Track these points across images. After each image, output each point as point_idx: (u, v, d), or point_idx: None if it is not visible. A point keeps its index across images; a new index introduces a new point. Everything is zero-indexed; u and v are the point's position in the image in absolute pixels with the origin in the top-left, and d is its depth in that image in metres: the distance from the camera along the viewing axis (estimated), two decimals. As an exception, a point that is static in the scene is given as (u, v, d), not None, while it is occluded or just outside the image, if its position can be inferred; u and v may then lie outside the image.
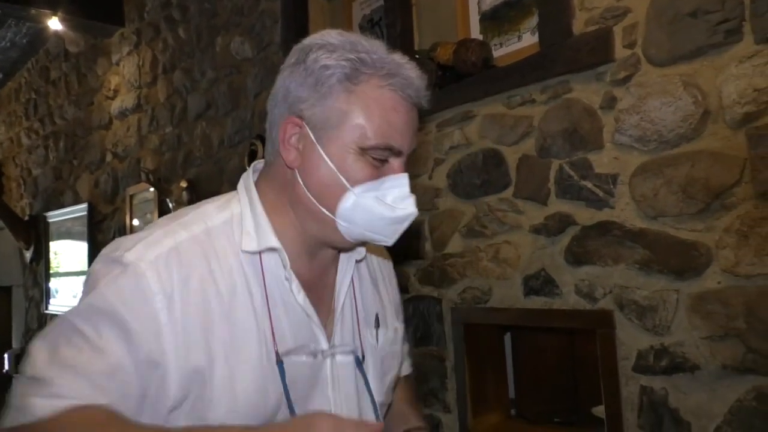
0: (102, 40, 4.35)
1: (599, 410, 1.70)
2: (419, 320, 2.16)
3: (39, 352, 0.81)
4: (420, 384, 2.15)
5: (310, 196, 0.90)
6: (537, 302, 1.81)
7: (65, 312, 0.85)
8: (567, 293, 1.73)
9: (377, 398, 0.99)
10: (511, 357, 2.19)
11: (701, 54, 1.46)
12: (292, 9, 2.75)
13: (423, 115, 2.22)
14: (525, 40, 2.02)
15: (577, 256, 1.71)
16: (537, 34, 1.88)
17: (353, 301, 1.03)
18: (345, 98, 0.86)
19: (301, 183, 0.90)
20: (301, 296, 0.92)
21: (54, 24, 3.85)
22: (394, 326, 1.09)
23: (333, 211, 0.89)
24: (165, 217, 0.96)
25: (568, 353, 2.05)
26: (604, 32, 1.63)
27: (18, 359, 5.56)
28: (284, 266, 0.90)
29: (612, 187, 1.63)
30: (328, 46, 0.88)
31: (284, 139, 0.90)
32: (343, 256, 1.01)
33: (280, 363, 0.88)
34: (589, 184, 1.68)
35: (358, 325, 1.01)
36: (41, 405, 0.76)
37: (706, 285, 1.45)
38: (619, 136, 1.62)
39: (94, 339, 0.79)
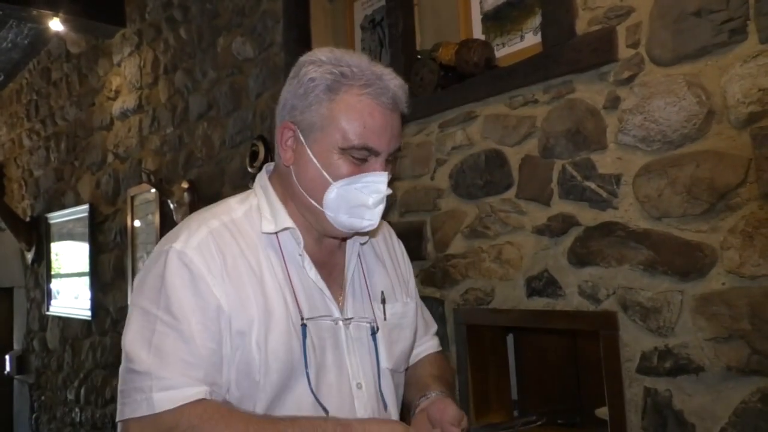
0: (103, 40, 4.35)
1: (602, 412, 1.69)
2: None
3: (134, 346, 0.95)
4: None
5: (302, 190, 1.05)
6: (540, 303, 1.80)
7: (136, 303, 0.99)
8: (570, 294, 1.72)
9: (387, 365, 1.13)
10: (514, 358, 2.18)
11: (705, 53, 1.45)
12: (293, 9, 2.74)
13: (426, 116, 2.22)
14: (527, 40, 2.01)
15: (580, 257, 1.70)
16: (540, 34, 1.87)
17: (363, 279, 1.17)
18: (328, 106, 1.01)
19: (295, 178, 1.06)
20: (312, 272, 1.07)
21: (55, 25, 3.85)
22: (404, 301, 1.22)
23: (320, 202, 1.03)
24: (195, 212, 1.10)
25: (571, 354, 2.04)
26: (608, 32, 1.62)
27: (19, 360, 5.57)
28: (298, 243, 1.06)
29: (615, 187, 1.62)
30: (317, 62, 1.03)
31: (281, 141, 1.07)
32: (348, 241, 1.15)
33: (303, 326, 1.02)
34: (593, 185, 1.67)
35: (370, 300, 1.16)
36: (159, 399, 0.90)
37: (710, 286, 1.44)
38: (622, 137, 1.61)
39: (175, 323, 0.94)
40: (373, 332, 1.13)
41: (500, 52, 2.07)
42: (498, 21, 2.12)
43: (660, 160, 1.53)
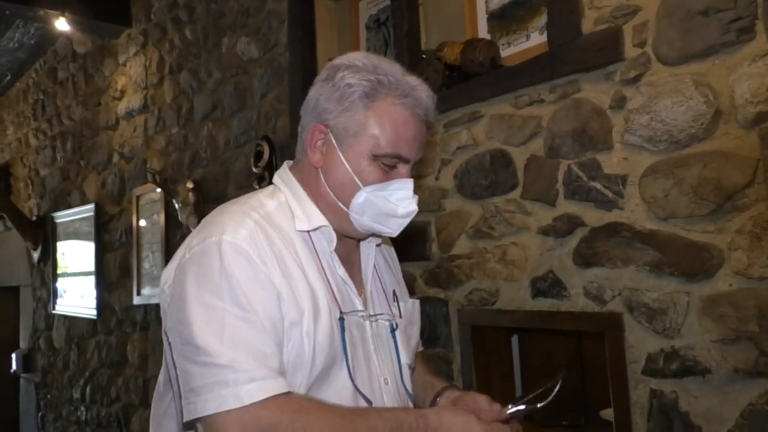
0: (109, 40, 4.36)
1: (608, 413, 1.68)
2: (425, 322, 2.14)
3: (206, 340, 0.90)
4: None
5: (330, 192, 1.07)
6: (545, 304, 1.79)
7: (194, 298, 0.94)
8: (575, 295, 1.71)
9: (406, 361, 1.16)
10: (519, 359, 2.17)
11: (713, 53, 1.44)
12: (298, 10, 2.74)
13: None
14: (533, 39, 2.00)
15: (585, 258, 1.69)
16: (545, 34, 1.86)
17: (378, 278, 1.21)
18: (363, 112, 1.03)
19: (323, 180, 1.08)
20: (342, 270, 1.09)
21: (61, 25, 3.86)
22: (405, 300, 1.26)
23: (347, 205, 1.06)
24: (219, 208, 1.07)
25: (576, 356, 2.03)
26: (614, 31, 1.61)
27: (26, 359, 5.59)
28: (329, 241, 1.08)
29: (621, 188, 1.61)
30: (354, 67, 1.04)
31: (311, 143, 1.08)
32: (363, 241, 1.18)
33: (341, 319, 1.04)
34: (599, 185, 1.66)
35: (386, 298, 1.19)
36: (248, 390, 0.88)
37: (717, 287, 1.43)
38: (629, 137, 1.60)
39: (245, 315, 0.92)
40: (393, 329, 1.15)
41: (506, 52, 2.06)
42: (503, 20, 2.11)
43: (666, 161, 1.52)
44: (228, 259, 0.95)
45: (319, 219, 1.07)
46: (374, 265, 1.20)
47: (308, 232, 1.07)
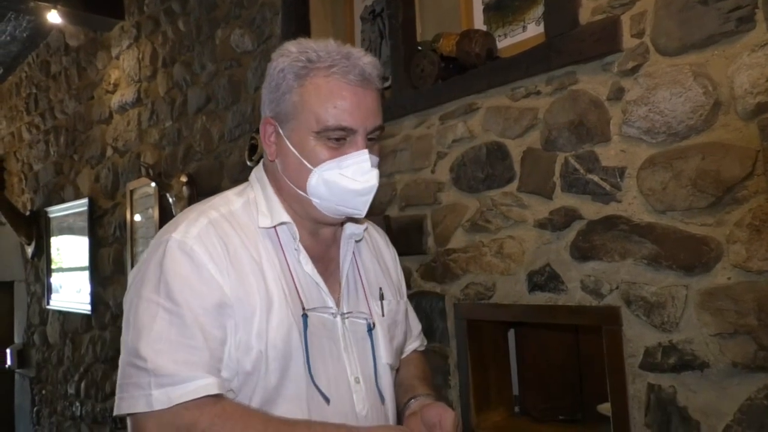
0: (102, 33, 4.31)
1: (605, 407, 1.67)
2: (421, 316, 2.12)
3: (138, 337, 0.92)
4: (422, 381, 2.12)
5: (287, 181, 1.06)
6: (542, 298, 1.77)
7: (136, 293, 0.96)
8: (573, 289, 1.69)
9: (387, 361, 1.13)
10: (515, 353, 2.16)
11: (712, 43, 1.42)
12: (292, 1, 2.71)
13: (426, 108, 2.19)
14: (530, 30, 1.98)
15: (583, 251, 1.67)
16: (542, 24, 1.84)
17: (358, 275, 1.17)
18: (297, 92, 1.01)
19: (281, 171, 1.06)
20: (309, 266, 1.06)
21: (53, 17, 3.81)
22: (396, 299, 1.23)
23: (305, 190, 1.04)
24: (194, 204, 1.10)
25: (573, 350, 2.02)
26: (612, 21, 1.59)
27: (20, 354, 5.57)
28: (294, 238, 1.06)
29: (619, 180, 1.59)
30: (286, 53, 1.04)
31: (264, 137, 1.08)
32: (343, 237, 1.15)
33: (304, 316, 1.02)
34: (596, 178, 1.64)
35: (366, 296, 1.15)
36: (173, 393, 0.88)
37: (716, 281, 1.41)
38: (626, 128, 1.58)
39: (176, 309, 0.93)
40: (370, 328, 1.12)
41: (502, 43, 2.04)
42: (500, 11, 2.08)
43: (665, 153, 1.50)
44: (170, 256, 0.96)
45: (280, 215, 1.05)
46: (355, 262, 1.17)
47: (273, 227, 1.06)
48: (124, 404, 0.91)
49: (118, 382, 0.94)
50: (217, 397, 0.91)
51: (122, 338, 0.96)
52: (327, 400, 1.02)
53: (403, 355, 1.31)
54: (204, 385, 0.90)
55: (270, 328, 0.98)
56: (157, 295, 0.94)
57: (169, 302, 0.93)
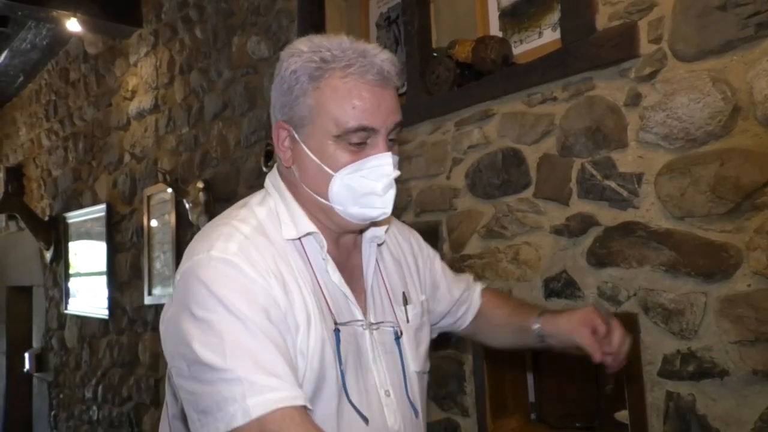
0: (120, 41, 4.37)
1: (623, 415, 1.65)
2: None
3: (206, 354, 0.84)
4: (438, 387, 2.11)
5: (306, 188, 1.01)
6: (558, 305, 1.76)
7: (185, 313, 0.88)
8: (589, 296, 1.69)
9: (415, 368, 1.09)
10: (532, 360, 2.15)
11: (731, 48, 1.41)
12: (308, 8, 2.73)
13: (442, 114, 2.19)
14: (546, 36, 1.98)
15: (599, 258, 1.66)
16: (558, 30, 1.83)
17: (382, 282, 1.12)
18: (313, 95, 0.95)
19: (298, 178, 1.01)
20: (336, 276, 1.02)
21: (73, 25, 3.87)
22: (420, 300, 1.18)
23: (326, 197, 0.99)
24: (214, 220, 1.03)
25: (590, 357, 2.00)
26: (629, 27, 1.58)
27: (38, 359, 5.63)
28: (321, 247, 1.01)
29: (636, 186, 1.58)
30: (297, 52, 0.97)
31: (278, 143, 1.02)
32: (365, 241, 1.10)
33: (336, 331, 0.98)
34: (613, 184, 1.63)
35: (391, 303, 1.11)
36: (255, 404, 0.81)
37: (735, 288, 1.40)
38: (644, 134, 1.57)
39: (237, 323, 0.86)
40: (397, 337, 1.08)
41: (518, 49, 2.04)
42: (515, 17, 2.08)
43: (683, 159, 1.49)
44: (217, 272, 0.89)
45: (306, 225, 1.00)
46: (378, 267, 1.12)
47: (299, 238, 1.00)
48: (221, 424, 0.83)
49: (199, 407, 0.85)
50: (302, 408, 0.84)
51: (186, 367, 0.87)
52: (366, 420, 0.97)
53: (472, 305, 1.36)
54: (294, 395, 0.84)
55: (309, 346, 0.93)
56: (215, 314, 0.86)
57: (232, 317, 0.86)
